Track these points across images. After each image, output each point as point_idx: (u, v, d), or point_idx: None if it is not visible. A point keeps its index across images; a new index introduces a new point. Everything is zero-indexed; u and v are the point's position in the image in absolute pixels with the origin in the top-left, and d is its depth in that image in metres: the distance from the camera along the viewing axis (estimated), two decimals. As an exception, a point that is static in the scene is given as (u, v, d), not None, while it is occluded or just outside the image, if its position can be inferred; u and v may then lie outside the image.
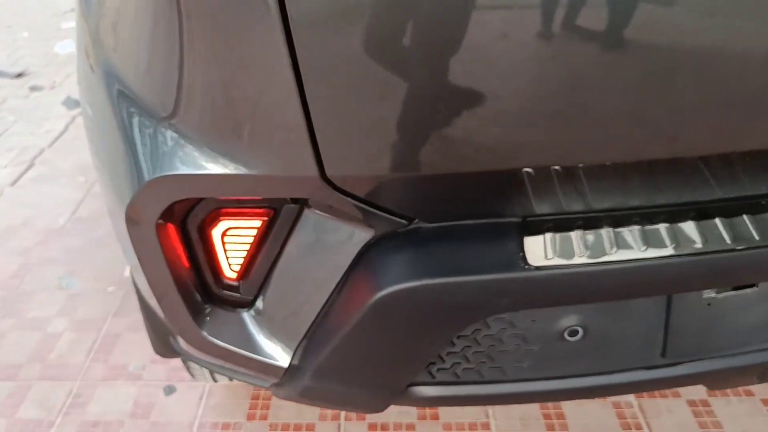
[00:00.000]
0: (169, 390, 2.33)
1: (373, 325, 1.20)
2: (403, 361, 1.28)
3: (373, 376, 1.30)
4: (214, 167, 1.11)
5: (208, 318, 1.40)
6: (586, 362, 1.38)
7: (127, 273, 3.20)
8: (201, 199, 1.25)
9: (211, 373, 2.02)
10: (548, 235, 1.19)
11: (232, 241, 1.33)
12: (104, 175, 1.34)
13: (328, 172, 1.08)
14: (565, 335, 1.33)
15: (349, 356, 1.27)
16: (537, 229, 1.21)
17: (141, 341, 2.79)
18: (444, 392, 1.34)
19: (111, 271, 3.15)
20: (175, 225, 1.31)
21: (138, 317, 2.93)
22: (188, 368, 2.12)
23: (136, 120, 1.19)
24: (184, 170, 1.13)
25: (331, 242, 1.25)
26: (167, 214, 1.22)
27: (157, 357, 2.76)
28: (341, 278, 1.19)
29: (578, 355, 1.37)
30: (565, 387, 1.37)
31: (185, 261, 1.35)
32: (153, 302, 1.56)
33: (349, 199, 1.12)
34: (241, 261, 1.35)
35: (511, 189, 1.18)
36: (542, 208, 1.21)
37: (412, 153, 1.05)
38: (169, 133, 1.14)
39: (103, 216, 3.57)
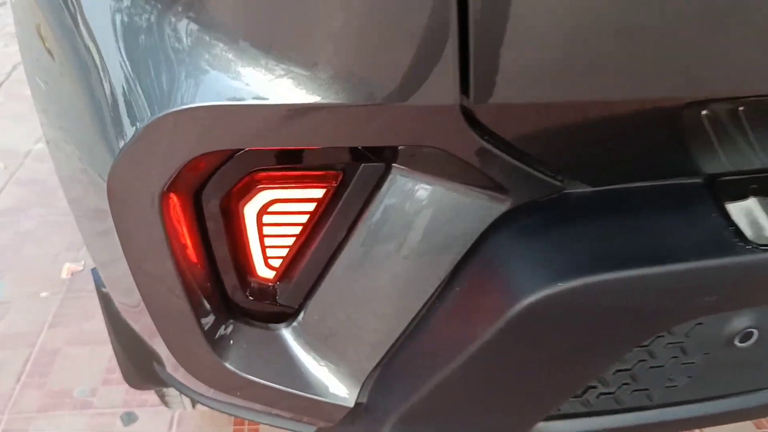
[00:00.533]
0: (129, 418, 1.91)
1: (506, 346, 0.76)
2: (544, 393, 0.84)
3: (495, 416, 0.86)
4: (271, 92, 0.63)
5: (229, 340, 0.92)
6: (757, 375, 0.99)
7: (65, 274, 2.61)
8: (231, 157, 0.77)
9: (192, 401, 1.49)
10: (757, 200, 0.79)
11: (274, 222, 0.86)
12: (72, 132, 0.84)
13: (477, 98, 0.63)
14: (736, 340, 0.94)
15: (461, 392, 0.83)
16: (739, 191, 0.80)
17: (88, 357, 2.25)
18: (577, 428, 0.92)
19: (44, 271, 2.63)
20: (187, 198, 0.81)
21: (82, 326, 2.39)
22: (162, 395, 1.59)
23: (125, 19, 0.69)
24: (214, 99, 0.65)
25: (432, 220, 0.80)
26: (175, 183, 0.74)
27: (112, 376, 2.22)
28: (446, 276, 0.86)
29: (747, 365, 0.98)
30: (727, 408, 0.98)
31: (197, 254, 0.87)
32: (133, 315, 1.06)
33: (491, 147, 0.67)
34: (285, 252, 0.88)
35: (695, 134, 0.77)
36: (735, 161, 0.81)
37: (599, 67, 0.62)
38: (187, 28, 0.65)
39: (31, 206, 2.96)
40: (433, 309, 0.90)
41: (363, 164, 0.83)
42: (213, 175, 0.84)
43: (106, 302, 1.18)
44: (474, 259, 0.85)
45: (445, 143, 0.72)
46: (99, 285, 1.22)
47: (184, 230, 0.87)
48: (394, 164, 0.82)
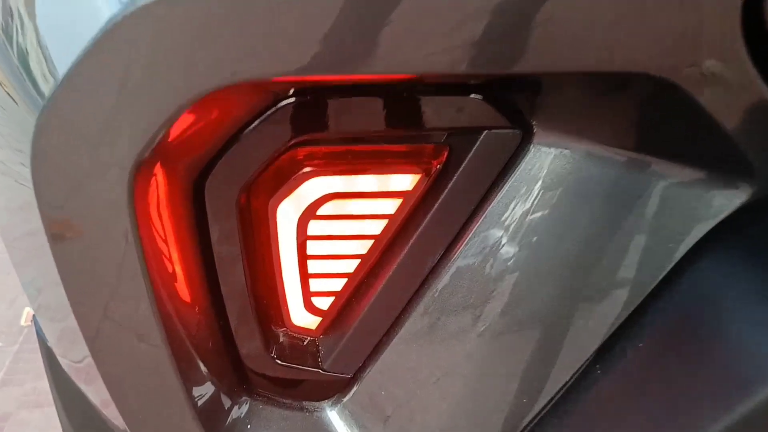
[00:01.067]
0: None
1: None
2: None
3: None
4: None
5: (243, 426, 0.52)
6: None
7: (24, 321, 2.21)
8: (256, 114, 0.41)
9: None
10: None
11: (326, 233, 0.48)
12: None
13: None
14: None
15: None
16: None
17: (42, 422, 1.84)
18: None
19: None
20: (178, 187, 0.44)
21: (37, 384, 1.97)
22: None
23: None
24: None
25: (604, 229, 0.44)
26: (156, 157, 0.38)
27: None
28: (621, 325, 0.52)
29: None
30: None
31: (191, 285, 0.49)
32: (83, 377, 0.69)
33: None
34: (341, 284, 0.50)
35: None
36: None
37: None
38: None
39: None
40: (592, 383, 0.52)
41: (486, 131, 0.46)
42: (225, 149, 0.46)
43: (50, 359, 0.78)
44: (679, 297, 0.47)
45: (686, 79, 0.36)
46: (41, 335, 0.83)
47: (170, 243, 0.49)
48: (531, 134, 0.45)
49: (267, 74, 0.38)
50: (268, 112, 0.48)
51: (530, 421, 0.60)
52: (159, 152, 0.44)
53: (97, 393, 0.73)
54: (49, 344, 0.83)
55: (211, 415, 0.63)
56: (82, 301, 0.51)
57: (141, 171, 0.44)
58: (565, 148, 0.50)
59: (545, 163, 0.51)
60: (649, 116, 0.47)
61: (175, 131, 0.43)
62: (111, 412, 0.65)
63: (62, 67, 0.39)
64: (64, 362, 0.82)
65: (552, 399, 0.58)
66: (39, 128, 0.42)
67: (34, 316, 0.86)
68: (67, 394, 0.90)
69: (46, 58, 0.42)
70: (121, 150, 0.42)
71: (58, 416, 1.01)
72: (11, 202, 0.59)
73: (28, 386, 2.01)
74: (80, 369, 0.69)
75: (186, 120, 0.43)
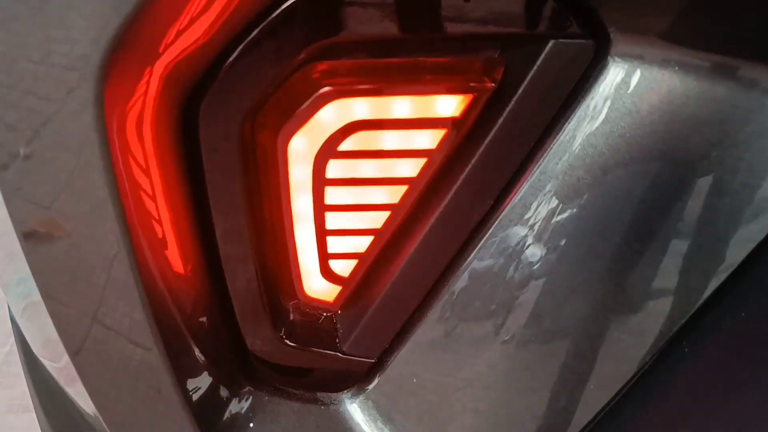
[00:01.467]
0: None
1: None
2: None
3: None
4: None
5: (246, 423, 0.41)
6: None
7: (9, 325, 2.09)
8: (262, 14, 0.30)
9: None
10: None
11: (350, 176, 0.36)
12: None
13: None
14: None
15: None
16: None
17: (32, 427, 1.72)
18: None
19: None
20: (162, 113, 0.33)
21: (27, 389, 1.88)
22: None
23: None
24: None
25: (704, 162, 0.32)
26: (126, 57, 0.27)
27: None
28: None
29: None
30: None
31: (182, 246, 0.37)
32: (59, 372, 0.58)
33: None
34: (367, 242, 0.39)
35: None
36: None
37: None
38: None
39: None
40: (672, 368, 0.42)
41: (552, 40, 0.35)
42: (221, 63, 0.35)
43: (25, 351, 0.69)
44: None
45: None
46: (14, 323, 0.73)
47: (156, 193, 0.38)
48: (618, 36, 0.34)
49: None
50: (277, 11, 0.37)
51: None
52: (136, 48, 0.33)
53: (84, 396, 0.63)
54: (29, 347, 0.72)
55: (208, 411, 0.52)
56: (57, 287, 0.40)
57: (112, 77, 0.33)
58: (651, 62, 0.39)
59: (626, 82, 0.40)
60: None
61: (156, 19, 0.32)
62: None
63: None
64: (48, 366, 0.72)
65: (608, 404, 0.47)
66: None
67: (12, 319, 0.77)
68: (48, 398, 0.83)
69: None
70: (84, 40, 0.31)
71: (39, 421, 0.93)
72: None
73: (18, 389, 1.92)
74: (65, 371, 0.59)
75: (169, 9, 0.32)
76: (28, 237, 0.39)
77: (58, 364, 0.61)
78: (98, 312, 0.44)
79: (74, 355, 0.46)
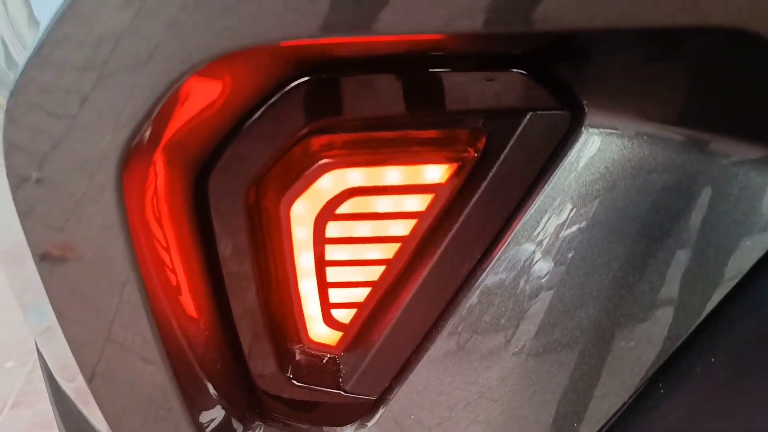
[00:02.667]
0: None
1: None
2: None
3: None
4: None
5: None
6: None
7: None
8: (267, 97, 0.34)
9: None
10: None
11: (348, 235, 0.40)
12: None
13: None
14: None
15: None
16: None
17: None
18: None
19: (10, 337, 2.22)
20: (176, 183, 0.37)
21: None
22: None
23: None
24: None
25: (675, 219, 0.35)
26: (146, 144, 0.31)
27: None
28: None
29: None
30: None
31: (195, 296, 0.42)
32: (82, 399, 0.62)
33: None
34: (365, 293, 0.43)
35: None
36: None
37: None
38: None
39: None
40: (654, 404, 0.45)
41: (531, 113, 0.39)
42: (230, 139, 0.40)
43: (51, 382, 0.72)
44: (755, 305, 0.40)
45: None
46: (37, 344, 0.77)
47: (171, 250, 0.42)
48: (582, 116, 0.38)
49: (273, 37, 0.31)
50: (278, 95, 0.41)
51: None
52: (151, 141, 0.37)
53: (101, 419, 0.66)
54: (50, 367, 0.76)
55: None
56: (73, 321, 0.44)
57: (131, 164, 0.37)
58: (623, 131, 0.43)
59: (599, 149, 0.43)
60: (721, 84, 0.39)
61: (169, 115, 0.36)
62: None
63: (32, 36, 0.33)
64: (66, 386, 0.76)
65: (616, 413, 0.50)
66: (8, 113, 0.35)
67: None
68: (70, 418, 0.84)
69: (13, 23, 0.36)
70: (105, 137, 0.35)
71: None
72: (9, 225, 0.53)
73: (41, 407, 1.96)
74: (82, 394, 0.63)
75: (182, 101, 0.36)
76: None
77: (74, 385, 0.65)
78: (111, 337, 0.48)
79: (89, 380, 0.50)
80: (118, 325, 0.46)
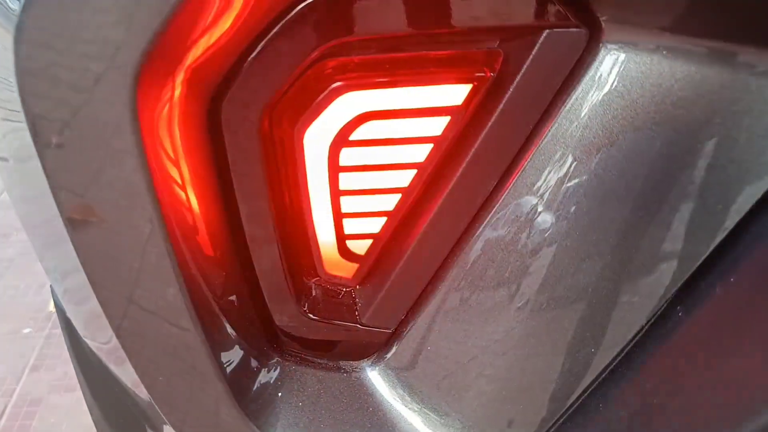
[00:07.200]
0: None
1: None
2: None
3: None
4: None
5: (274, 392, 0.45)
6: None
7: (51, 306, 2.21)
8: (276, 17, 0.33)
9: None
10: None
11: (362, 163, 0.40)
12: None
13: None
14: None
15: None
16: None
17: (74, 406, 1.83)
18: None
19: (27, 304, 2.25)
20: (187, 110, 0.37)
21: (68, 368, 1.95)
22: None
23: None
24: None
25: (693, 140, 0.35)
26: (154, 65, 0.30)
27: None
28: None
29: None
30: None
31: (211, 234, 0.41)
32: (107, 354, 0.63)
33: None
34: (380, 223, 0.42)
35: None
36: None
37: None
38: None
39: (11, 231, 2.54)
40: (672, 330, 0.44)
41: (547, 30, 0.38)
42: (240, 63, 0.39)
43: (70, 333, 0.73)
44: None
45: None
46: (59, 307, 0.78)
47: (185, 183, 0.42)
48: (608, 24, 0.37)
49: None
50: (288, 16, 0.40)
51: (592, 382, 0.52)
52: (168, 60, 0.37)
53: (127, 373, 0.67)
54: (75, 328, 0.77)
55: (241, 381, 0.56)
56: (100, 269, 0.44)
57: (146, 84, 0.37)
58: (642, 46, 0.42)
59: (618, 67, 0.43)
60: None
61: (184, 30, 0.36)
62: (142, 390, 0.59)
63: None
64: (93, 345, 0.77)
65: (610, 363, 0.50)
66: (18, 40, 0.35)
67: (55, 302, 0.81)
68: (93, 377, 0.87)
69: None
70: (120, 52, 0.35)
71: (85, 399, 0.98)
72: (30, 191, 0.53)
73: (59, 371, 2.00)
74: (109, 350, 0.64)
75: (197, 17, 0.36)
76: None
77: (101, 342, 0.66)
78: (136, 294, 0.48)
79: (117, 331, 0.51)
80: (141, 274, 0.46)
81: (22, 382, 1.97)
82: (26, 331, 2.20)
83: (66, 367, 1.96)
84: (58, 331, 2.19)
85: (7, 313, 2.25)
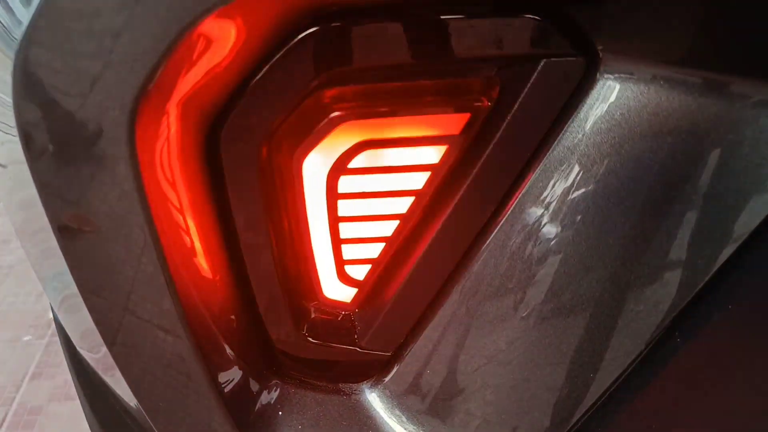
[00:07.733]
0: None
1: None
2: None
3: None
4: None
5: (274, 412, 0.46)
6: None
7: (51, 314, 2.18)
8: (278, 46, 0.33)
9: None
10: None
11: (361, 191, 0.40)
12: None
13: None
14: None
15: None
16: None
17: (74, 415, 1.83)
18: None
19: (27, 311, 2.24)
20: (188, 139, 0.37)
21: (69, 376, 1.96)
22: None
23: None
24: None
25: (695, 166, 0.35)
26: (155, 94, 0.30)
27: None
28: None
29: None
30: None
31: (211, 256, 0.42)
32: (102, 366, 0.63)
33: None
34: (378, 249, 0.43)
35: None
36: None
37: None
38: None
39: (11, 238, 2.54)
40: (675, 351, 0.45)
41: (545, 60, 0.38)
42: (240, 92, 0.39)
43: (67, 343, 0.73)
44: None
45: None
46: (56, 317, 0.78)
47: (184, 209, 0.42)
48: (598, 61, 0.38)
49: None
50: (287, 45, 0.40)
51: (592, 405, 0.52)
52: (164, 91, 0.37)
53: (123, 386, 0.67)
54: (71, 339, 0.77)
55: (239, 402, 0.56)
56: (92, 285, 0.44)
57: (144, 115, 0.37)
58: (639, 76, 0.42)
59: (615, 96, 0.43)
60: (740, 22, 0.38)
61: (182, 63, 0.36)
62: (141, 408, 0.59)
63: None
64: (88, 356, 0.77)
65: (619, 377, 0.50)
66: (18, 65, 0.35)
67: (53, 311, 0.81)
68: (90, 388, 0.86)
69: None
70: (118, 85, 0.35)
71: (83, 410, 0.98)
72: (25, 198, 0.53)
73: (59, 379, 2.00)
74: (103, 362, 0.63)
75: (194, 50, 0.36)
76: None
77: (95, 355, 0.66)
78: (130, 305, 0.48)
79: (111, 346, 0.51)
80: (137, 292, 0.46)
81: (22, 390, 1.97)
82: (26, 338, 2.20)
83: (66, 375, 1.96)
84: (58, 338, 2.21)
85: (6, 320, 2.25)
